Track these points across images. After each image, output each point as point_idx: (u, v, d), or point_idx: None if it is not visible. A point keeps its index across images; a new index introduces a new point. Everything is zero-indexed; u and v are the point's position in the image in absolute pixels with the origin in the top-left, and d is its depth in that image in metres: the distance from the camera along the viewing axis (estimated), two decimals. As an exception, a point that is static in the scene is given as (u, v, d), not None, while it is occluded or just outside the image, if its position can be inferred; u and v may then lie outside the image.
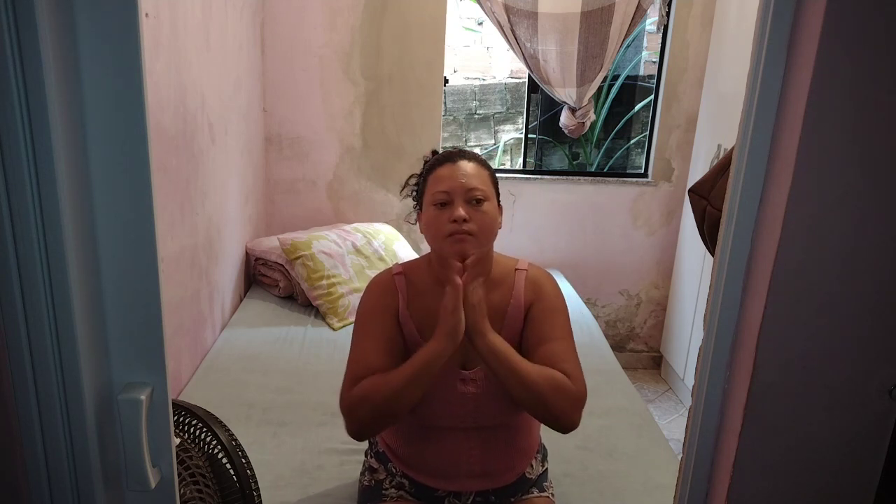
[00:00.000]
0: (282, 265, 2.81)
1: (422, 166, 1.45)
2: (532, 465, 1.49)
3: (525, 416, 1.44)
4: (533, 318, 1.38)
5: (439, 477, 1.41)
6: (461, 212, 1.28)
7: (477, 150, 1.48)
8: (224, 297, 2.59)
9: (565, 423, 1.28)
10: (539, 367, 1.27)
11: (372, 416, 1.26)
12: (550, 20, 3.06)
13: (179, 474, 1.07)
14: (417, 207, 1.42)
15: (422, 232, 1.38)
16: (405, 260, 2.29)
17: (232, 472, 1.27)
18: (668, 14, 3.20)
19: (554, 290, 1.42)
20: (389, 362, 1.30)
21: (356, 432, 1.30)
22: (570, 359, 1.32)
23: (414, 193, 1.47)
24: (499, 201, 1.39)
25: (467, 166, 1.33)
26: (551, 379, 1.26)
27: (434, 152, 1.46)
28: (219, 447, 1.28)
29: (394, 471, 1.46)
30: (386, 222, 3.25)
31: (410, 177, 1.48)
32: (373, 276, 1.47)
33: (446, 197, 1.30)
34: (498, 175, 1.43)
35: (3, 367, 0.69)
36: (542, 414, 1.28)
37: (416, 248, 3.28)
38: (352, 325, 2.62)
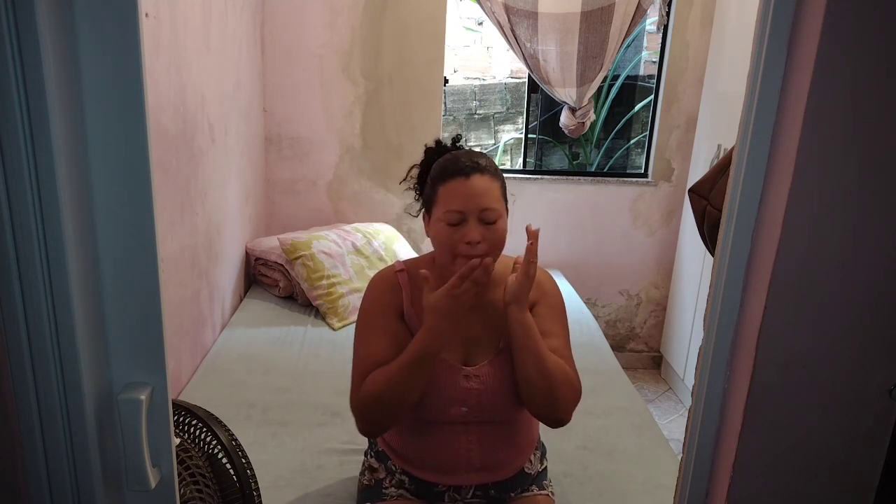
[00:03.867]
0: (282, 265, 2.81)
1: (424, 155, 1.42)
2: (531, 461, 1.49)
3: (524, 412, 1.44)
4: (534, 315, 1.39)
5: (439, 471, 1.41)
6: (476, 235, 1.27)
7: (477, 150, 1.44)
8: (224, 297, 2.59)
9: (562, 415, 1.32)
10: (554, 356, 1.31)
11: (381, 412, 1.28)
12: (550, 20, 3.06)
13: (179, 474, 1.07)
14: (423, 208, 1.40)
15: (427, 235, 1.38)
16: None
17: (232, 472, 1.27)
18: (668, 14, 3.20)
19: (554, 290, 1.44)
20: (395, 358, 1.31)
21: (368, 430, 1.34)
22: (568, 357, 1.36)
23: (415, 186, 1.45)
24: (507, 204, 1.37)
25: (481, 182, 1.29)
26: (564, 369, 1.30)
27: (437, 142, 1.43)
28: (219, 447, 1.28)
29: (393, 468, 1.46)
30: (386, 222, 3.25)
31: (412, 167, 1.46)
32: (373, 275, 1.47)
33: (460, 217, 1.28)
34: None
35: (4, 367, 0.69)
36: (543, 401, 1.30)
37: (415, 247, 3.28)
38: (352, 325, 2.65)
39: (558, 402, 1.29)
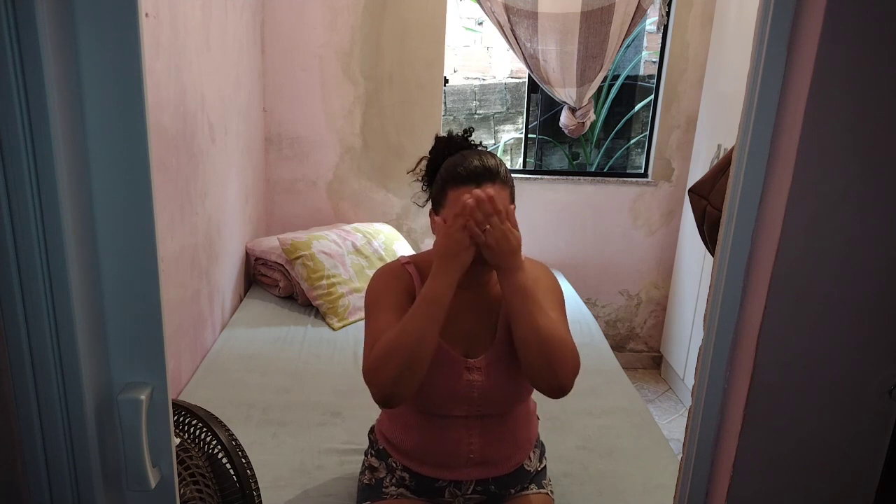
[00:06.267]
0: (282, 265, 2.81)
1: (434, 145, 1.43)
2: (531, 458, 1.50)
3: (524, 407, 1.46)
4: None
5: (440, 467, 1.42)
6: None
7: (488, 151, 1.45)
8: (224, 297, 2.59)
9: (562, 380, 1.27)
10: (552, 321, 1.29)
11: (398, 368, 1.22)
12: (550, 20, 3.06)
13: (179, 474, 1.07)
14: (428, 200, 1.41)
15: (433, 232, 1.38)
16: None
17: (232, 472, 1.27)
18: (668, 14, 3.20)
19: (548, 276, 1.45)
20: None
21: (385, 394, 1.24)
22: (564, 324, 1.35)
23: (423, 178, 1.45)
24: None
25: (491, 191, 1.28)
26: (560, 333, 1.28)
27: (449, 133, 1.43)
28: (219, 447, 1.28)
29: (394, 465, 1.46)
30: (386, 222, 3.25)
31: (422, 159, 1.46)
32: (380, 267, 1.47)
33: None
34: None
35: (4, 367, 0.69)
36: (541, 365, 1.26)
37: (415, 247, 3.28)
38: (352, 325, 2.65)
39: (554, 364, 1.25)
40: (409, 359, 1.22)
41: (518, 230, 1.29)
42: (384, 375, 1.22)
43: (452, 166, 1.34)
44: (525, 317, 1.26)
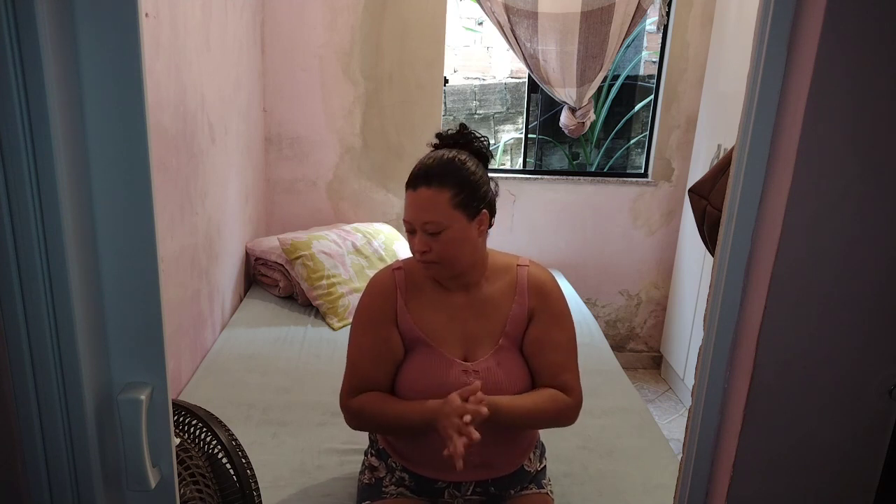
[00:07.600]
0: (282, 265, 2.81)
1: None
2: (531, 459, 1.50)
3: None
4: (538, 324, 1.42)
5: (439, 468, 1.42)
6: (421, 245, 1.33)
7: (449, 155, 1.40)
8: (224, 297, 2.59)
9: (566, 425, 1.44)
10: (542, 398, 1.37)
11: (367, 428, 1.47)
12: (550, 20, 3.06)
13: (179, 474, 1.07)
14: None
15: None
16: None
17: (232, 472, 1.27)
18: (668, 14, 3.20)
19: (557, 292, 1.45)
20: (386, 369, 1.39)
21: (354, 428, 1.45)
22: (571, 368, 1.41)
23: None
24: (480, 207, 1.34)
25: (425, 195, 1.30)
26: (554, 403, 1.37)
27: (439, 136, 1.43)
28: (219, 447, 1.28)
29: (394, 466, 1.46)
30: (386, 222, 3.25)
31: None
32: (373, 276, 1.49)
33: (410, 227, 1.35)
34: (498, 175, 1.42)
35: (4, 367, 0.69)
36: (546, 428, 1.51)
37: (416, 248, 3.27)
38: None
39: (557, 425, 1.44)
40: (377, 430, 1.49)
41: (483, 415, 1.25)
42: (356, 426, 1.43)
43: (411, 173, 1.37)
44: (527, 425, 1.43)
